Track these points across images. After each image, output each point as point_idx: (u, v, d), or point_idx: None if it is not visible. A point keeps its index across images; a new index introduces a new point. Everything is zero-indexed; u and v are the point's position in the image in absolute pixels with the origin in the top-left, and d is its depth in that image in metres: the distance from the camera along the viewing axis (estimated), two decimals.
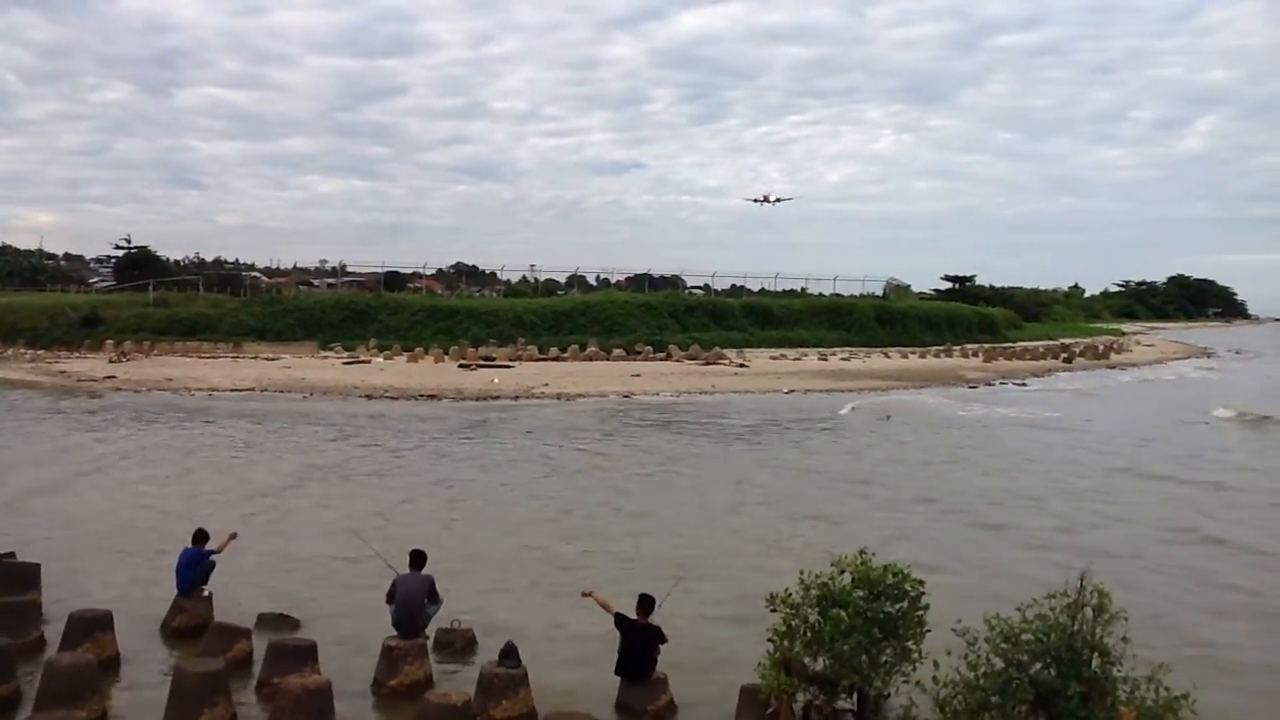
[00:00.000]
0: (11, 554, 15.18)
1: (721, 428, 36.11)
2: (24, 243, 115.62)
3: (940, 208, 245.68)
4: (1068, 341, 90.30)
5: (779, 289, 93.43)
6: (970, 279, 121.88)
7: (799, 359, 65.28)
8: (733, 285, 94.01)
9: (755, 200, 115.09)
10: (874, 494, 24.44)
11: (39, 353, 57.27)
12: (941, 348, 78.11)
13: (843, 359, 66.38)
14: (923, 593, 9.98)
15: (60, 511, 20.88)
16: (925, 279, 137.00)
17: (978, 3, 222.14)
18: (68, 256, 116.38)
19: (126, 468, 26.30)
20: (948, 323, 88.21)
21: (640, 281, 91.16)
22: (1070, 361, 73.96)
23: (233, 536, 14.31)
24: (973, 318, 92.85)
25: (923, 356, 72.36)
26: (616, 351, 62.52)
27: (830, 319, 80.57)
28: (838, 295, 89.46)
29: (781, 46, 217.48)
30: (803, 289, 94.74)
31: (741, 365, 59.85)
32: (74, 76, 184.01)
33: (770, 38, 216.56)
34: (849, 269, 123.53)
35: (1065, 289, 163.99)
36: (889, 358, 70.01)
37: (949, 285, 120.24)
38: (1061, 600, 8.83)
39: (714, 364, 60.33)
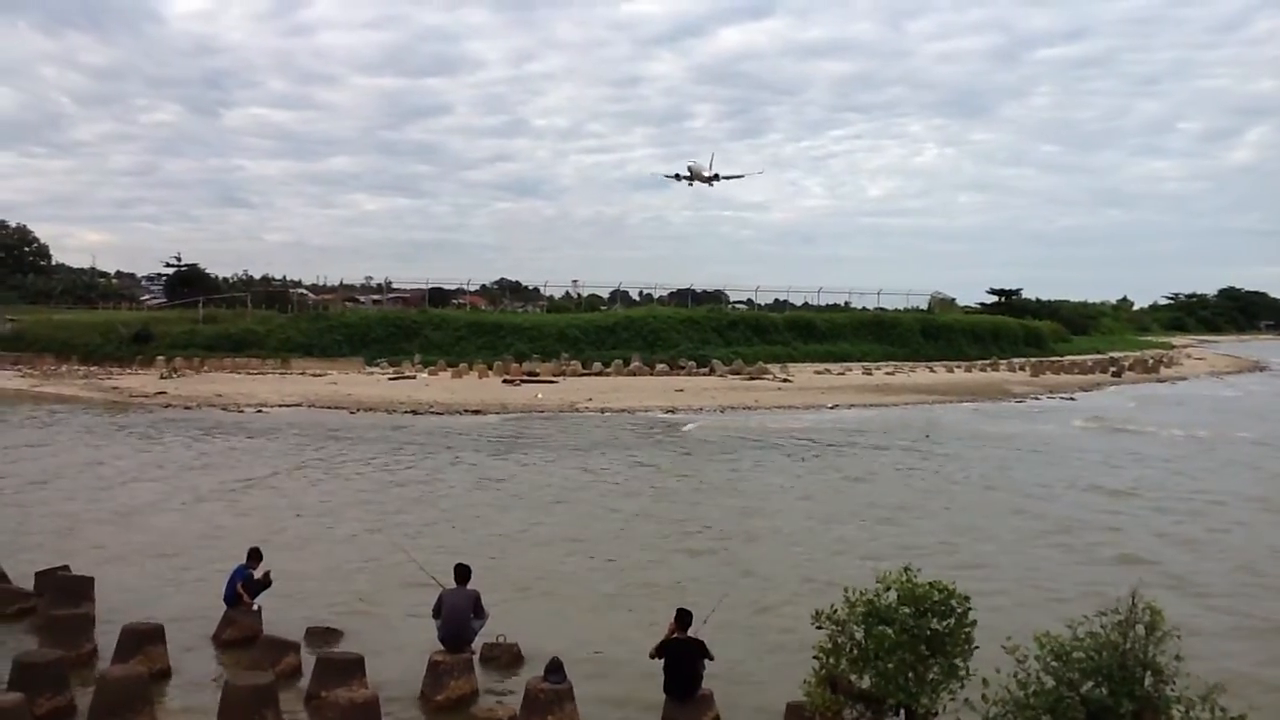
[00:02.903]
0: (65, 567, 15.44)
1: (762, 444, 35.94)
2: (77, 261, 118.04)
3: (984, 221, 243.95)
4: (1116, 355, 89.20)
5: (822, 303, 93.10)
6: (1016, 292, 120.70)
7: (843, 373, 64.97)
8: (775, 300, 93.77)
9: (682, 177, 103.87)
10: (915, 509, 24.26)
11: (92, 369, 58.16)
12: (987, 361, 77.37)
13: (887, 373, 65.98)
14: (969, 609, 9.87)
15: (113, 525, 21.20)
16: (970, 293, 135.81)
17: (1020, 15, 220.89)
18: (119, 274, 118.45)
19: (178, 483, 26.62)
20: (993, 336, 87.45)
21: (683, 296, 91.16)
22: (1119, 375, 72.94)
23: (269, 576, 14.39)
24: (1019, 331, 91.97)
25: (968, 370, 71.83)
26: (660, 367, 62.54)
27: (874, 333, 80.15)
28: (881, 309, 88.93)
29: (822, 61, 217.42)
30: (846, 303, 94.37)
31: (785, 380, 59.63)
32: (125, 98, 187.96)
33: (810, 53, 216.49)
34: (892, 283, 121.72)
35: (1113, 302, 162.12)
36: (934, 372, 69.57)
37: (994, 298, 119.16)
38: (1113, 618, 8.70)
39: (757, 379, 60.18)
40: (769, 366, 64.34)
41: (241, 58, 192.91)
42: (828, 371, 65.52)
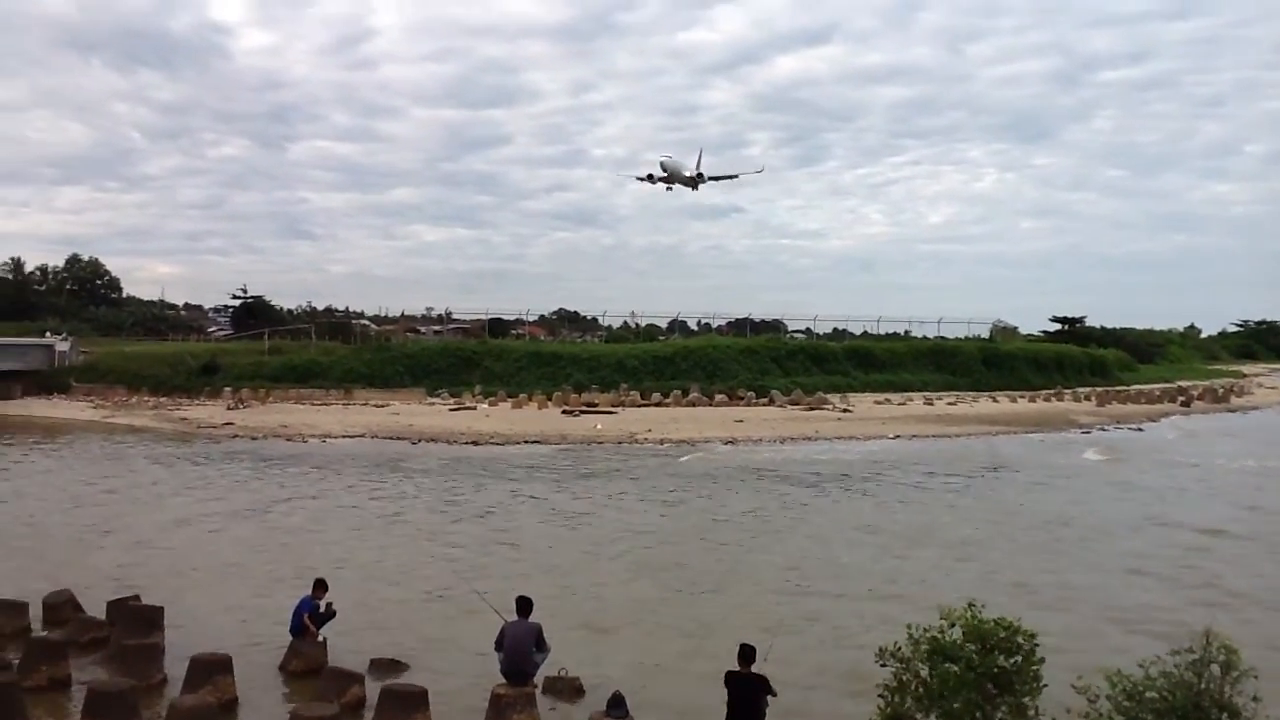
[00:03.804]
0: (136, 596, 15.74)
1: (822, 476, 35.67)
2: (146, 293, 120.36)
3: (1046, 247, 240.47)
4: (1185, 384, 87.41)
5: (882, 332, 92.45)
6: (1080, 320, 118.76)
7: (904, 403, 64.36)
8: (834, 329, 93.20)
9: (656, 179, 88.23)
10: (978, 542, 23.93)
11: (161, 400, 59.32)
12: (1051, 391, 76.11)
13: (949, 403, 65.24)
14: (1036, 646, 9.69)
15: (182, 554, 21.57)
16: (1032, 320, 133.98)
17: (1080, 38, 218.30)
18: (187, 306, 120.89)
19: (244, 513, 27.05)
20: (1057, 365, 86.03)
21: (741, 326, 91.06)
22: (1188, 405, 71.43)
23: (332, 607, 14.54)
24: (1083, 360, 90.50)
25: (1032, 400, 70.75)
26: (719, 397, 62.39)
27: (935, 362, 79.25)
28: (942, 338, 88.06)
29: (880, 87, 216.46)
30: (906, 331, 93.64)
31: (845, 410, 59.20)
32: (193, 133, 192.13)
33: (868, 79, 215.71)
34: (953, 311, 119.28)
35: (1180, 329, 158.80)
36: (996, 401, 68.67)
37: (1058, 326, 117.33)
38: (1187, 656, 8.50)
39: (817, 409, 59.83)
40: (828, 396, 63.92)
41: (306, 92, 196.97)
42: (888, 401, 64.94)
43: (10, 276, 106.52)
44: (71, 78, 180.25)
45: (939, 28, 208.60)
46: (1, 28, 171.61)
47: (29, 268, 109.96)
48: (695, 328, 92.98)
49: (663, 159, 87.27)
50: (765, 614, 16.55)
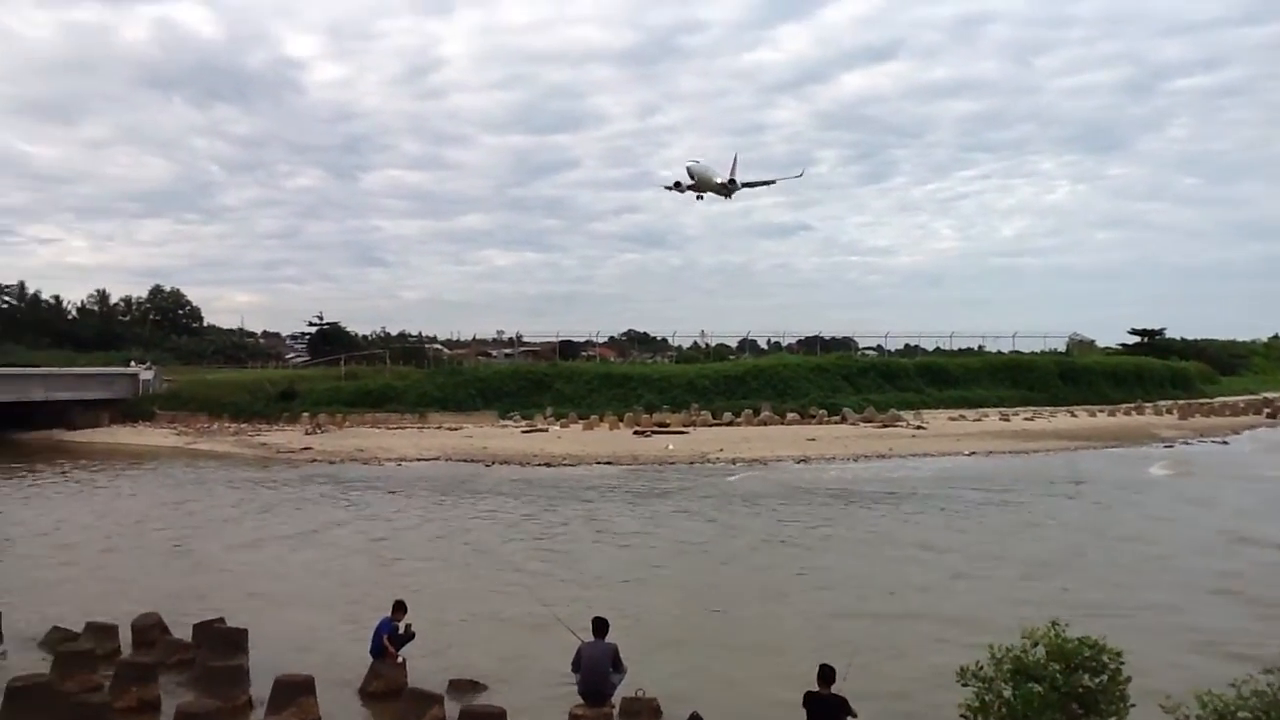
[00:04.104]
0: (221, 619, 16.08)
1: (898, 494, 35.28)
2: (226, 322, 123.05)
3: (1122, 258, 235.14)
4: (1271, 395, 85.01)
5: (954, 348, 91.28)
6: (1159, 332, 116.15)
7: (979, 420, 63.44)
8: (906, 345, 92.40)
9: (684, 187, 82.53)
10: (1060, 559, 23.48)
11: (242, 426, 60.52)
12: (1131, 405, 74.48)
13: (1025, 419, 64.13)
14: (1122, 665, 9.50)
15: (263, 577, 21.98)
16: (1110, 333, 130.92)
17: (1152, 46, 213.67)
18: (265, 334, 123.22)
19: (323, 535, 27.49)
20: (1136, 378, 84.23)
21: (811, 344, 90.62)
22: (1275, 417, 69.48)
23: (411, 628, 14.69)
24: (1164, 372, 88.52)
25: (1111, 414, 69.30)
26: (790, 415, 62.05)
27: (1010, 377, 77.90)
28: (1017, 352, 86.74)
29: (947, 101, 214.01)
30: (980, 347, 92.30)
31: (919, 427, 58.53)
32: (269, 165, 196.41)
33: (935, 94, 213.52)
34: (1027, 325, 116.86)
35: (1264, 340, 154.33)
36: (1075, 416, 67.39)
37: (1136, 339, 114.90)
38: None
39: (890, 426, 59.21)
40: (902, 413, 63.22)
41: (377, 122, 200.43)
42: (963, 418, 64.03)
43: (97, 308, 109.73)
44: (152, 115, 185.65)
45: (1006, 40, 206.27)
46: (88, 69, 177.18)
47: (114, 299, 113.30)
48: (765, 346, 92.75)
49: (689, 164, 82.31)
50: (838, 634, 16.40)
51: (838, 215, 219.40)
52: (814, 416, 62.27)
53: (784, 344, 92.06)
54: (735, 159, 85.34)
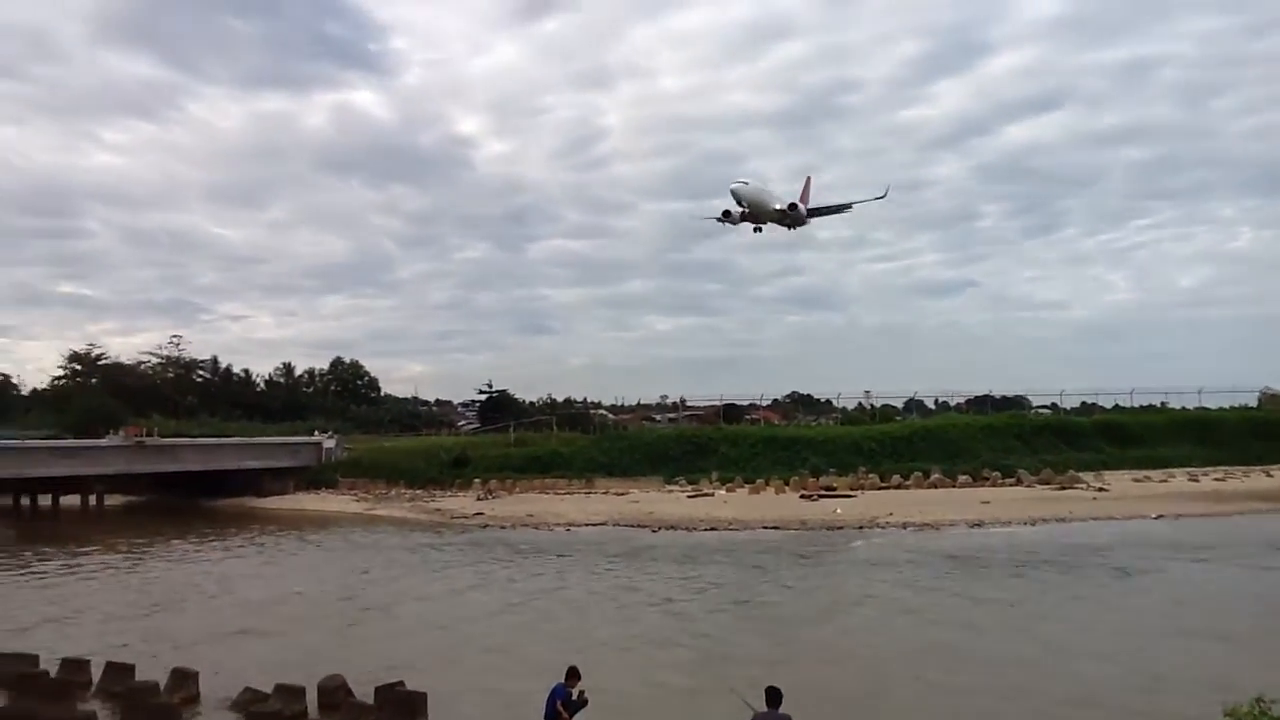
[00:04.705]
0: (400, 682, 16.64)
1: (1077, 560, 33.87)
2: (401, 391, 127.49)
3: None
4: None
5: (1135, 404, 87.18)
6: None
7: (1165, 480, 60.28)
8: (1082, 403, 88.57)
9: (737, 218, 72.23)
10: (1260, 630, 22.10)
11: (417, 492, 62.51)
12: None
13: (1216, 479, 60.64)
14: None
15: (440, 640, 22.64)
16: None
17: None
18: (438, 402, 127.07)
19: (497, 599, 28.10)
20: None
21: (981, 403, 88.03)
22: None
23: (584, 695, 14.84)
24: None
25: None
26: (962, 478, 60.34)
27: (1197, 435, 73.78)
28: (1203, 408, 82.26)
29: (1117, 149, 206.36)
30: (1163, 404, 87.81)
31: (1100, 489, 56.08)
32: (440, 239, 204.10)
33: (1104, 142, 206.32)
34: (1214, 379, 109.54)
35: None
36: (1271, 476, 63.25)
37: None
38: None
39: (1068, 488, 56.94)
40: (1080, 475, 60.68)
41: (542, 194, 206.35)
42: (1147, 479, 60.93)
43: (283, 380, 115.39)
44: (332, 196, 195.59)
45: (1177, 83, 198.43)
46: (273, 155, 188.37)
47: (298, 371, 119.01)
48: (932, 406, 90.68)
49: (735, 185, 70.92)
50: (1020, 704, 15.84)
51: (1005, 270, 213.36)
52: (986, 479, 60.41)
53: (952, 404, 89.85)
54: (808, 183, 76.73)
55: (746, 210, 70.60)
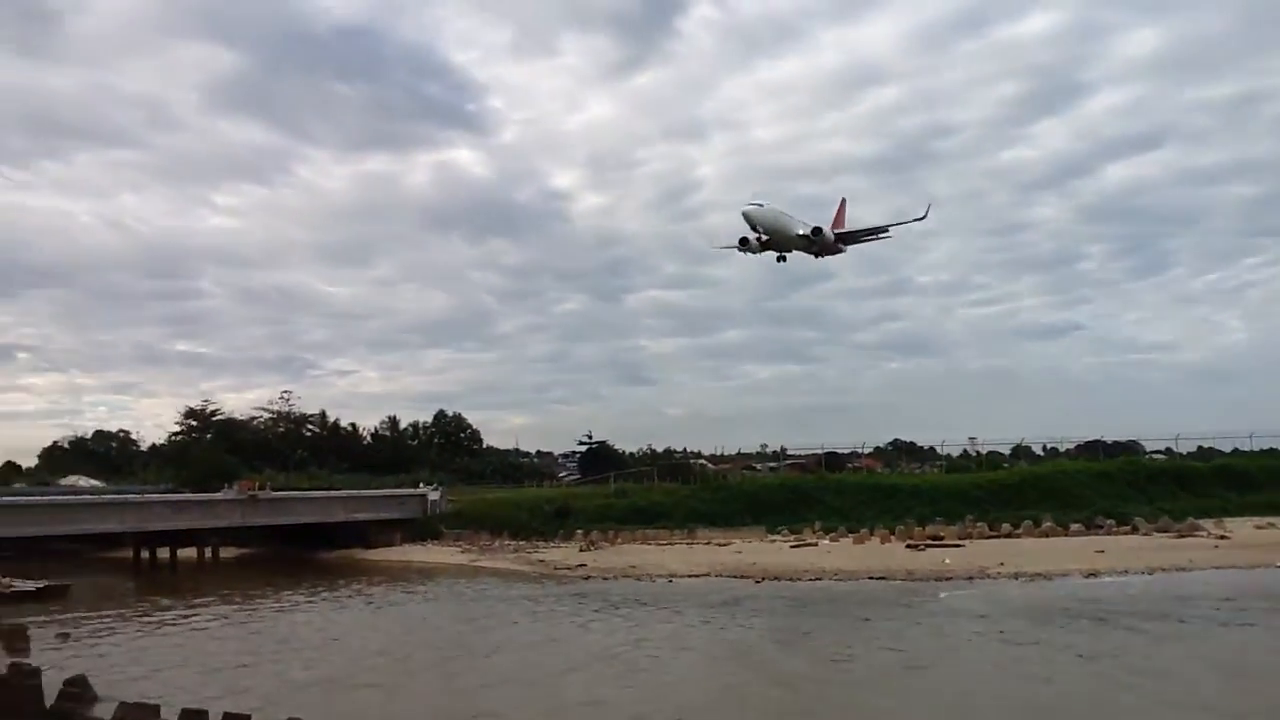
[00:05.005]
0: None
1: (1201, 614, 32.70)
2: (502, 443, 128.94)
3: None
4: None
5: (1255, 448, 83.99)
6: None
7: None
8: (1199, 447, 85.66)
9: (756, 244, 67.37)
10: None
11: (520, 543, 62.97)
12: None
13: None
14: None
15: (543, 691, 22.81)
16: None
17: None
18: (539, 453, 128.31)
19: (602, 650, 28.16)
20: None
21: (1092, 448, 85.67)
22: None
23: None
24: None
25: None
26: (1075, 526, 58.67)
27: None
28: None
29: (1224, 186, 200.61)
30: None
31: (1221, 536, 54.06)
32: (539, 293, 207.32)
33: (1210, 179, 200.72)
34: None
35: None
36: None
37: None
38: None
39: (1188, 536, 54.99)
40: (1200, 522, 58.55)
41: (639, 246, 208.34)
42: (1271, 526, 58.49)
43: (388, 433, 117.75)
44: (434, 252, 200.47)
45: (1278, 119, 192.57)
46: (378, 214, 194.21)
47: (403, 424, 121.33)
48: (1040, 453, 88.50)
49: (747, 207, 65.01)
50: None
51: (1111, 312, 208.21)
52: (1100, 527, 58.63)
53: (1061, 449, 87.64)
54: (842, 205, 71.08)
55: (763, 236, 66.57)
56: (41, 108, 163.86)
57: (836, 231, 68.64)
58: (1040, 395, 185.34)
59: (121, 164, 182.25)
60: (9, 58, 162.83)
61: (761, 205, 65.38)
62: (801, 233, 66.76)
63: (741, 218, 65.55)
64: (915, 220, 68.05)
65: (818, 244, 67.77)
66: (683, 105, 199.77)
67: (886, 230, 69.73)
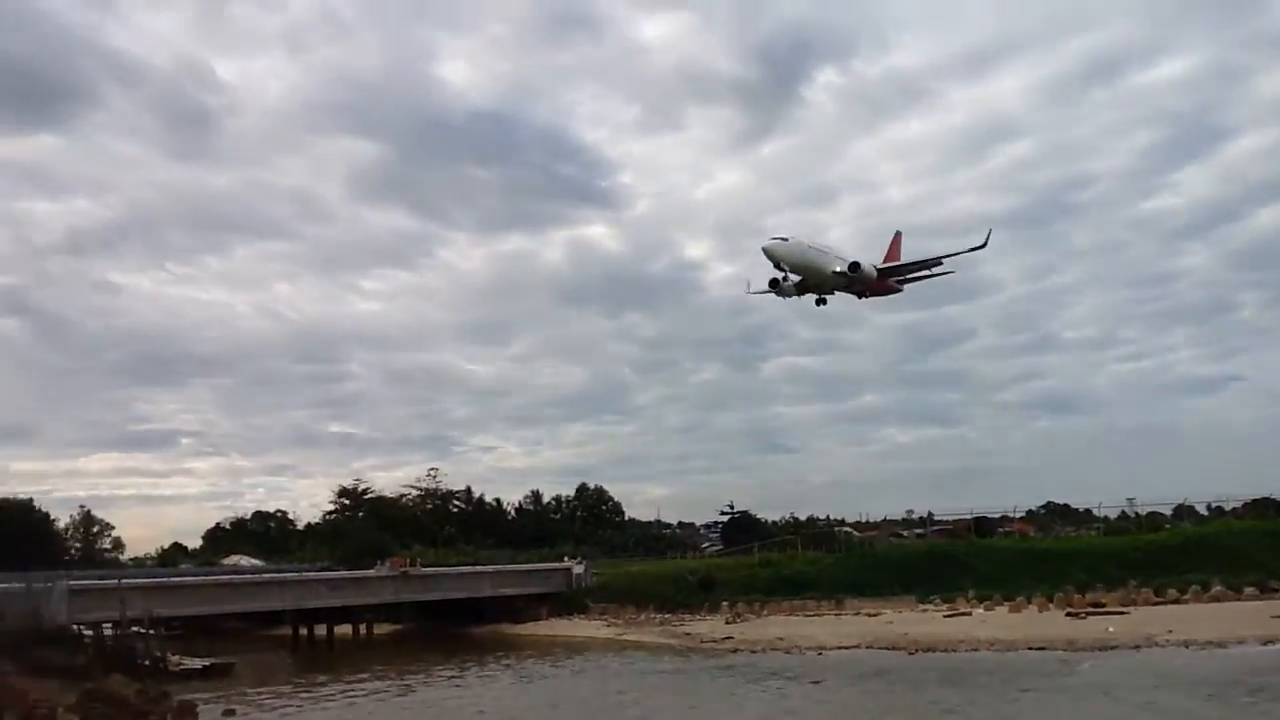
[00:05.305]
0: None
1: None
2: (643, 515, 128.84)
3: None
4: None
5: None
6: None
7: None
8: None
9: (786, 286, 61.18)
10: None
11: (665, 616, 62.73)
12: None
13: None
14: None
15: None
16: None
17: None
18: (680, 525, 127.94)
19: None
20: None
21: (1261, 507, 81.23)
22: None
23: None
24: None
25: None
26: (1247, 590, 55.47)
27: None
28: None
29: None
30: None
31: None
32: (674, 364, 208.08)
33: None
34: None
35: None
36: None
37: None
38: None
39: None
40: None
41: (773, 313, 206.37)
42: None
43: (532, 508, 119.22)
44: (570, 327, 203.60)
45: None
46: (515, 293, 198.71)
47: (545, 498, 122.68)
48: (1205, 512, 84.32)
49: (768, 243, 58.15)
50: None
51: (1271, 362, 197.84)
52: (1276, 590, 55.26)
53: (1227, 508, 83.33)
54: (896, 239, 65.25)
55: (795, 274, 59.74)
56: (202, 205, 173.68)
57: (880, 267, 62.95)
58: (1201, 452, 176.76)
59: (275, 255, 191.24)
60: (171, 160, 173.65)
61: (786, 240, 58.74)
62: (838, 269, 60.66)
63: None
64: (973, 249, 61.05)
65: (859, 281, 61.72)
66: (810, 170, 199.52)
67: (940, 262, 63.66)
